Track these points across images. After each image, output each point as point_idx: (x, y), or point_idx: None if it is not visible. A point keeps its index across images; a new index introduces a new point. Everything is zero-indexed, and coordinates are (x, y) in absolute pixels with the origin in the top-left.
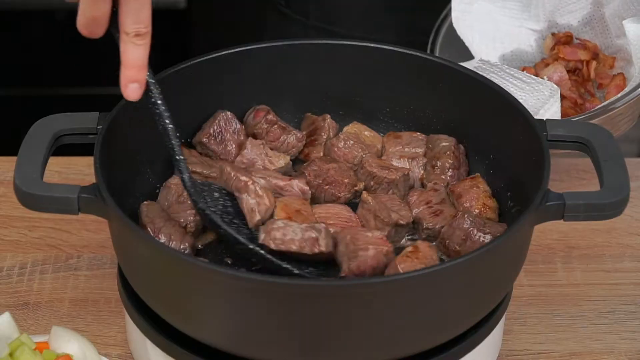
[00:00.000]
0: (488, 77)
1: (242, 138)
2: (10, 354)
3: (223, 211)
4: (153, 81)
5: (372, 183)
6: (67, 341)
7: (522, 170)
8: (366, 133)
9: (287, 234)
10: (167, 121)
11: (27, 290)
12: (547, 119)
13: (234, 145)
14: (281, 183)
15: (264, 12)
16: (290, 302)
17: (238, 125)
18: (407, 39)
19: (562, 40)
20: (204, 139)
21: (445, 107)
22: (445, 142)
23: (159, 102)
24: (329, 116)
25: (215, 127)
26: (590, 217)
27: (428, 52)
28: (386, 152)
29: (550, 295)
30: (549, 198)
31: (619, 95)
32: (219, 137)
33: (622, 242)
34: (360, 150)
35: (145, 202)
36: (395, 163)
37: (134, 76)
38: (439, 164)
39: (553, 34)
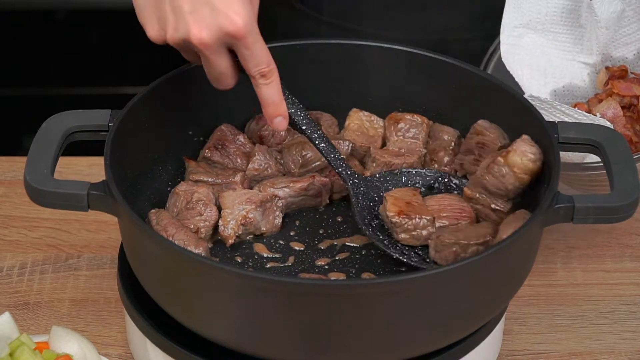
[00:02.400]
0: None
1: (247, 148)
2: (10, 354)
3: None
4: (293, 110)
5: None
6: (67, 341)
7: None
8: (367, 124)
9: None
10: (316, 142)
11: (27, 290)
12: (558, 121)
13: (240, 155)
14: (304, 184)
15: (277, 8)
16: (297, 301)
17: (241, 136)
18: (420, 37)
19: (616, 74)
20: (207, 154)
21: (458, 108)
22: (447, 135)
23: (304, 127)
24: (329, 116)
25: (216, 141)
26: (600, 220)
27: None
28: (389, 141)
29: (550, 295)
30: (559, 200)
31: None
32: (222, 150)
33: (622, 242)
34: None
35: (153, 210)
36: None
37: (274, 112)
38: (437, 158)
39: (607, 68)
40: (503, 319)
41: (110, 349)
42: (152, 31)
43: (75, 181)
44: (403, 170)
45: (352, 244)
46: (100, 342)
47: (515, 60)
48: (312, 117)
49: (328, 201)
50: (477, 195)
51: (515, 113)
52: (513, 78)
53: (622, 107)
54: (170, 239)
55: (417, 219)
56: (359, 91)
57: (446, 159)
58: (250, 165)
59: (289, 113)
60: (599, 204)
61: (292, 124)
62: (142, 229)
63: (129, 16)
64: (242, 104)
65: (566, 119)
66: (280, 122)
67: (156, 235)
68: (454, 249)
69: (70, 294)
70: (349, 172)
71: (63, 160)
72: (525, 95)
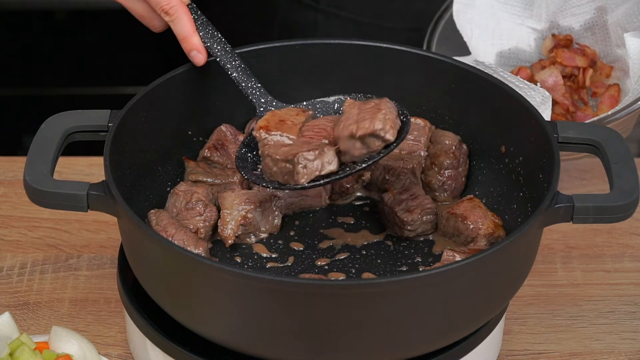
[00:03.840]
0: None
1: None
2: (10, 354)
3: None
4: (209, 44)
5: (387, 177)
6: (67, 341)
7: (532, 172)
8: None
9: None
10: (229, 72)
11: (27, 290)
12: (558, 121)
13: None
14: None
15: None
16: (297, 301)
17: (240, 136)
18: (415, 25)
19: (561, 42)
20: (206, 153)
21: (457, 108)
22: (448, 140)
23: (217, 59)
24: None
25: (215, 141)
26: (600, 220)
27: (425, 43)
28: None
29: (550, 295)
30: (558, 200)
31: (612, 111)
32: (222, 150)
33: (622, 242)
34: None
35: (152, 211)
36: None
37: (187, 46)
38: (437, 162)
39: (553, 35)
40: (503, 319)
41: (110, 349)
42: None
43: (74, 181)
44: (336, 98)
45: (352, 244)
46: (100, 342)
47: (466, 20)
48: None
49: (328, 201)
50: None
51: (515, 113)
52: (461, 37)
53: (564, 77)
54: (170, 239)
55: (277, 135)
56: (359, 91)
57: (447, 162)
58: None
59: (206, 46)
60: (599, 204)
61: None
62: (142, 230)
63: (129, 16)
64: (242, 104)
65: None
66: (195, 56)
67: (156, 236)
68: (267, 160)
69: (70, 294)
70: (262, 100)
71: (63, 160)
72: (471, 57)
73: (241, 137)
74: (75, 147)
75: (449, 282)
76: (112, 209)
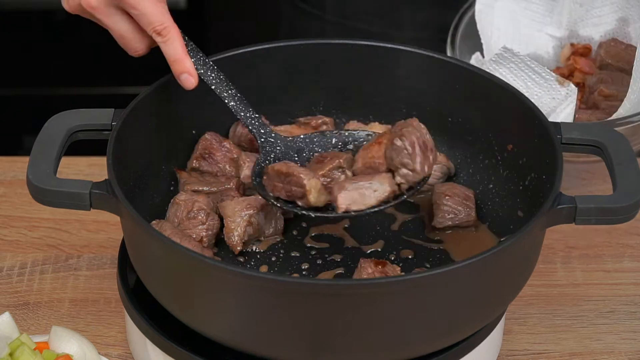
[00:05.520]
0: (507, 66)
1: (234, 154)
2: (10, 354)
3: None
4: (202, 71)
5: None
6: (67, 341)
7: (535, 173)
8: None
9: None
10: (226, 101)
11: (27, 290)
12: (561, 122)
13: (227, 162)
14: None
15: (280, 7)
16: (297, 301)
17: (226, 142)
18: (424, 35)
19: (579, 51)
20: (195, 164)
21: (460, 109)
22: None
23: (213, 87)
24: (329, 120)
25: (202, 150)
26: (602, 221)
27: (448, 44)
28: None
29: (550, 295)
30: (561, 201)
31: (627, 114)
32: (209, 158)
33: (622, 242)
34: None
35: (154, 222)
36: None
37: (178, 69)
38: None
39: (572, 44)
40: (503, 319)
41: (110, 349)
42: (62, 2)
43: (77, 180)
44: (334, 131)
45: (352, 244)
46: (100, 342)
47: (487, 21)
48: (314, 123)
49: None
50: None
51: (519, 114)
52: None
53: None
54: None
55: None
56: (361, 92)
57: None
58: (243, 173)
59: (198, 73)
60: (602, 205)
61: (203, 82)
62: (145, 229)
63: None
64: (225, 110)
65: (533, 76)
66: (186, 79)
67: (159, 235)
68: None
69: (70, 294)
70: (262, 130)
71: (63, 160)
72: (499, 46)
73: (226, 143)
74: (75, 147)
75: (450, 283)
76: (114, 208)
